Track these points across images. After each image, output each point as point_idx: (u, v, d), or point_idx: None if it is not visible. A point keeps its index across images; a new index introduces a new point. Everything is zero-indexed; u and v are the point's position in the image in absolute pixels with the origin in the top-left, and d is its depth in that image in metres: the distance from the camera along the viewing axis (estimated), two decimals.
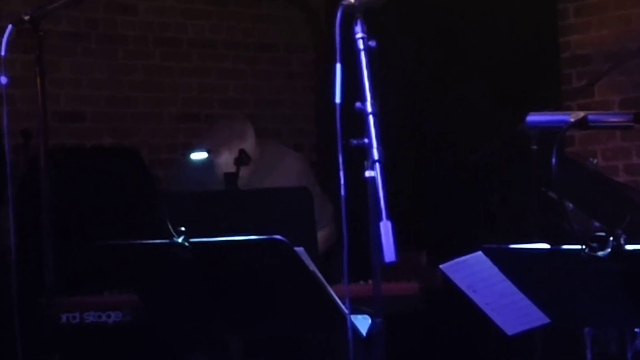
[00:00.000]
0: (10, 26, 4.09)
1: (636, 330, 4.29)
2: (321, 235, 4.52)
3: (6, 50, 4.03)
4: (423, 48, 5.99)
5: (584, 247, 2.74)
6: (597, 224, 3.93)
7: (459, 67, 6.13)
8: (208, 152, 4.99)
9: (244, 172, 4.74)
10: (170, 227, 3.14)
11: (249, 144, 4.72)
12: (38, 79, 4.16)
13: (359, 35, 3.04)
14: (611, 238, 2.69)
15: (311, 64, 7.25)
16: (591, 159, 5.20)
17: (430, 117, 6.31)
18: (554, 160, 3.21)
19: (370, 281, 3.86)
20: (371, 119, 3.00)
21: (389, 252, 2.80)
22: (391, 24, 4.80)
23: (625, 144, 6.09)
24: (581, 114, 3.27)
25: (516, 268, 3.15)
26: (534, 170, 4.24)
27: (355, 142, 2.98)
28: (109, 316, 4.68)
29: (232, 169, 4.68)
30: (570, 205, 4.29)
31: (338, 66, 2.99)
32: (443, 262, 3.50)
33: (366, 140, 2.96)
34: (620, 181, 5.58)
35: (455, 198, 6.02)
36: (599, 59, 5.98)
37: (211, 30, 6.73)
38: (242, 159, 4.66)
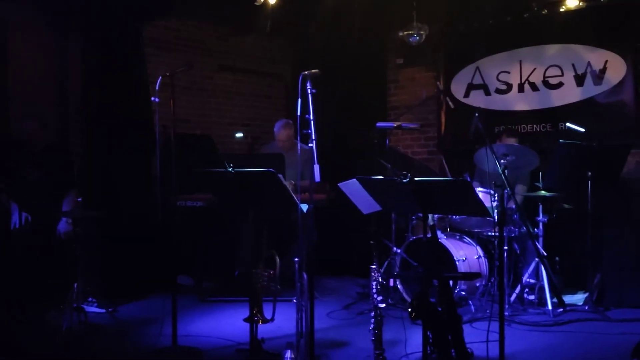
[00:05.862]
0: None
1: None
2: (303, 181, 5.87)
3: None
4: (329, 95, 6.62)
5: (398, 178, 4.05)
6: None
7: (338, 105, 8.60)
8: (245, 136, 7.03)
9: (286, 146, 6.82)
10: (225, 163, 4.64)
11: (290, 133, 7.05)
12: (172, 103, 5.33)
13: (309, 87, 4.64)
14: (409, 175, 4.07)
15: (284, 94, 9.40)
16: (399, 147, 7.62)
17: (343, 128, 8.74)
18: (387, 142, 5.04)
19: (307, 194, 5.39)
20: (312, 123, 4.62)
21: (317, 176, 4.57)
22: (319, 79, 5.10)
23: (411, 142, 8.73)
24: (399, 123, 5.14)
25: (369, 186, 4.52)
26: (375, 151, 5.88)
27: (305, 131, 4.54)
28: (197, 202, 7.06)
29: (286, 142, 6.97)
30: (389, 165, 5.93)
31: (299, 100, 4.63)
32: (339, 183, 5.37)
33: (309, 131, 4.59)
34: (413, 157, 7.57)
35: (349, 161, 8.04)
36: (404, 106, 8.71)
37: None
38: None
